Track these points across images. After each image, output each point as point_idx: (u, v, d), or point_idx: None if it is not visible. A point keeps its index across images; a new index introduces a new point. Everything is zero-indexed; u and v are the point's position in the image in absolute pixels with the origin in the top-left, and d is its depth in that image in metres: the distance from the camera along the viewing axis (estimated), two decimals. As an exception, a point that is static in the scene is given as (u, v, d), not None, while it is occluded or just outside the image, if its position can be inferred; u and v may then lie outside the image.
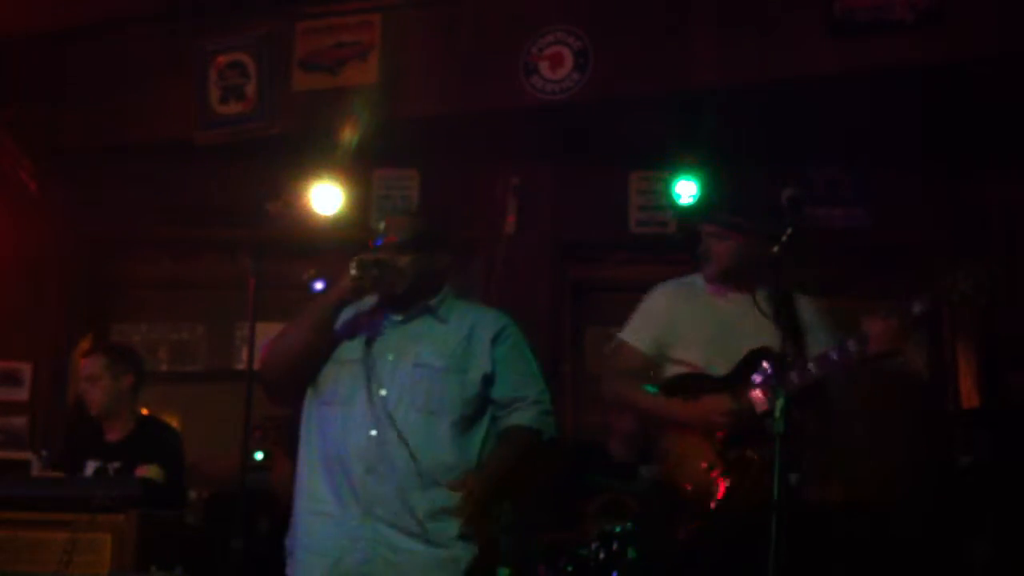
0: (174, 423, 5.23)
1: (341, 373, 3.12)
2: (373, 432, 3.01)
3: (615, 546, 4.10)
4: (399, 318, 3.18)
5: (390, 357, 3.09)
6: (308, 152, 5.39)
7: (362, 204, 5.76)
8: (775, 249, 2.97)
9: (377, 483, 2.98)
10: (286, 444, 5.25)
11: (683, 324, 3.47)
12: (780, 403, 2.67)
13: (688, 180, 5.49)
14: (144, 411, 4.31)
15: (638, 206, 5.89)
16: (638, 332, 3.53)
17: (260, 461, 5.28)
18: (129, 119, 5.66)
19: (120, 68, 5.69)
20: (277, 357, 3.20)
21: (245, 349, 3.81)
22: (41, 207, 5.84)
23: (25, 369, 5.89)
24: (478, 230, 5.89)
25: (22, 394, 5.88)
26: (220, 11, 5.54)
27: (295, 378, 3.20)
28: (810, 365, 3.23)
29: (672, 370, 3.47)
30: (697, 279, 3.57)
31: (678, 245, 5.86)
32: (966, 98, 4.90)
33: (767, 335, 3.24)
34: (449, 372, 3.09)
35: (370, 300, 3.20)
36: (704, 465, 3.31)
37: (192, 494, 4.97)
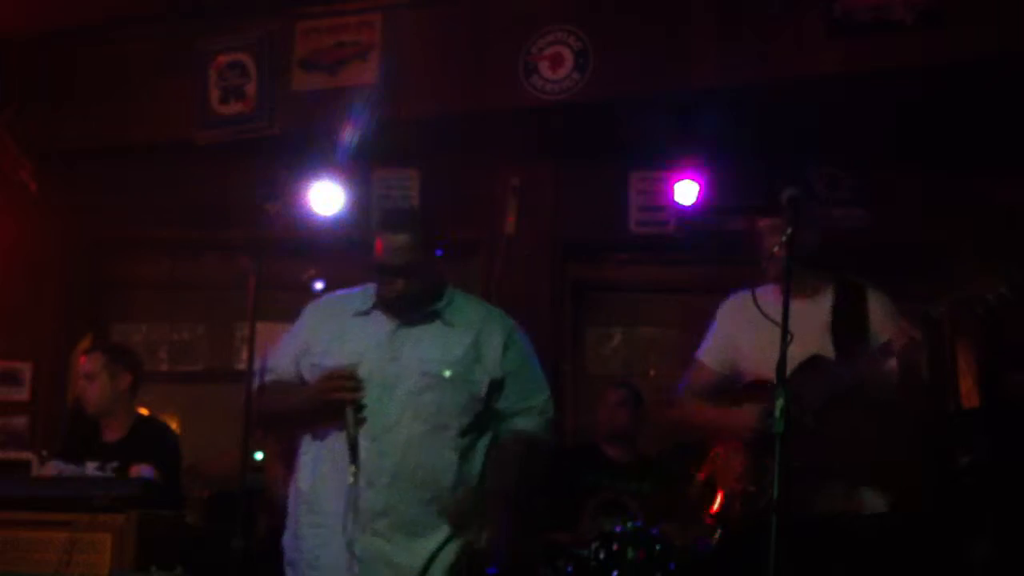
0: (174, 423, 5.23)
1: None
2: (375, 445, 2.96)
3: (615, 546, 4.11)
4: (405, 324, 3.10)
5: (395, 367, 3.03)
6: (308, 152, 5.39)
7: (362, 204, 5.76)
8: (775, 250, 2.95)
9: (377, 497, 2.95)
10: (279, 447, 5.26)
11: (743, 337, 3.40)
12: (780, 403, 2.65)
13: (688, 180, 5.49)
14: (143, 411, 4.31)
15: (638, 206, 5.87)
16: (708, 351, 3.53)
17: (260, 461, 5.28)
18: (129, 119, 5.66)
19: (120, 68, 5.70)
20: (266, 417, 3.23)
21: (245, 349, 3.80)
22: (41, 207, 5.83)
23: (25, 369, 5.89)
24: (478, 230, 5.89)
25: (22, 394, 5.88)
26: (220, 11, 5.54)
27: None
28: (842, 370, 3.20)
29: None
30: (760, 289, 3.32)
31: (678, 245, 5.89)
32: (966, 98, 4.90)
33: (825, 338, 3.22)
34: (456, 381, 3.03)
35: (372, 304, 3.15)
36: (736, 474, 3.30)
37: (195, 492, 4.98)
